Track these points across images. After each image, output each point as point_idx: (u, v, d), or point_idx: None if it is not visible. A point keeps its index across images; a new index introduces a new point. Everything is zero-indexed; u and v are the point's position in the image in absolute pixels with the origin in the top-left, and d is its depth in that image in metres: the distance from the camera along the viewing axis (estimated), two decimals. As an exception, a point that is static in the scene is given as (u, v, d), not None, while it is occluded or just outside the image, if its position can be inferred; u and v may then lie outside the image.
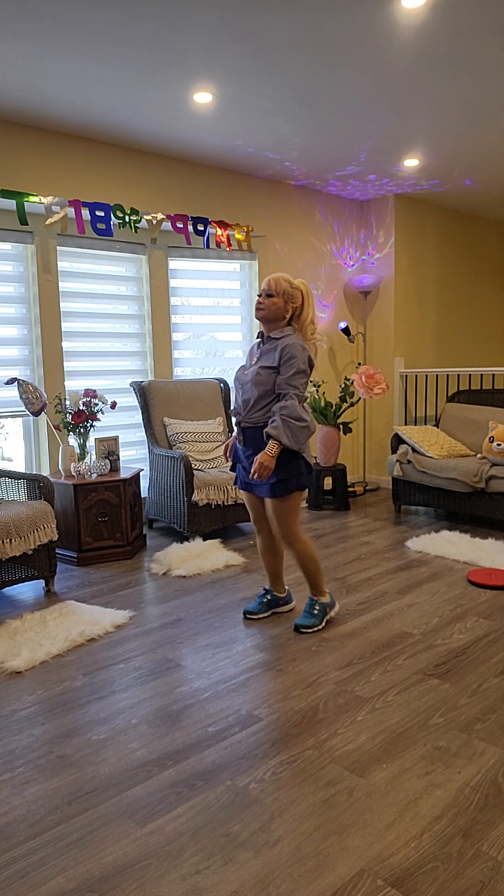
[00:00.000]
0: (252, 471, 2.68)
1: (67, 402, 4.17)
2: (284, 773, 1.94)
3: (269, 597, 3.14)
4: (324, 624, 2.98)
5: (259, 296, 2.79)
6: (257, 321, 2.88)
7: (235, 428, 2.89)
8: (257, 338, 2.90)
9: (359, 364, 6.16)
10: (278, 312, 2.77)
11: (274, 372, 2.75)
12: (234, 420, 2.86)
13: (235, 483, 3.04)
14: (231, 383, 5.15)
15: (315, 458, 5.26)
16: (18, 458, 4.39)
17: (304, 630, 2.92)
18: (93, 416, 4.11)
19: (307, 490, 5.46)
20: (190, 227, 4.74)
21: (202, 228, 4.77)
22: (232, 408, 2.91)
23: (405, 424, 6.00)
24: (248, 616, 3.10)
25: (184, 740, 2.13)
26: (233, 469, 3.05)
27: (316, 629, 2.94)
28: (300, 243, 5.58)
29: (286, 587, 3.26)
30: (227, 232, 4.92)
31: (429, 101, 3.80)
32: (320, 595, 2.99)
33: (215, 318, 5.18)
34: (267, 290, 2.77)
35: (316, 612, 2.97)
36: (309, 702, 2.35)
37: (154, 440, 4.53)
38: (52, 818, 1.79)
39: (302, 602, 3.29)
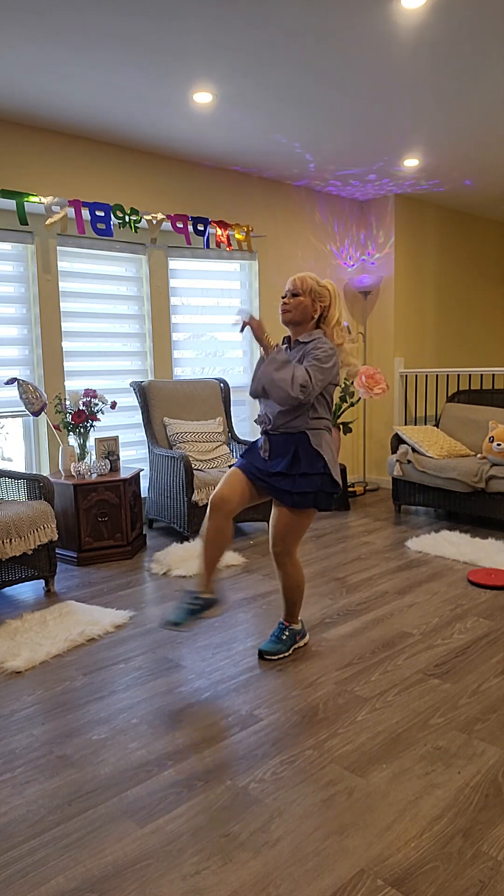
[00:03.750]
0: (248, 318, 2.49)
1: (67, 402, 4.17)
2: (284, 773, 1.94)
3: (199, 601, 2.54)
4: (290, 652, 2.72)
5: (283, 297, 2.54)
6: (283, 325, 2.61)
7: (262, 437, 2.62)
8: (283, 343, 2.62)
9: (359, 364, 6.17)
10: (306, 313, 2.52)
11: None
12: (260, 430, 2.63)
13: (237, 465, 2.64)
14: (231, 383, 5.15)
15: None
16: (18, 458, 4.39)
17: (269, 657, 2.67)
18: (93, 416, 4.11)
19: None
20: (190, 227, 4.74)
21: (202, 228, 4.77)
22: (256, 417, 2.63)
23: (405, 424, 6.00)
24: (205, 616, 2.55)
25: (184, 740, 2.13)
26: (243, 455, 2.67)
27: (281, 656, 2.68)
28: (300, 243, 5.58)
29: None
30: (227, 232, 4.92)
31: (429, 101, 3.80)
32: (293, 622, 2.75)
33: (215, 318, 5.18)
34: (292, 289, 2.51)
35: (284, 637, 2.72)
36: (309, 702, 2.35)
37: (154, 440, 4.53)
38: (52, 818, 1.79)
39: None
